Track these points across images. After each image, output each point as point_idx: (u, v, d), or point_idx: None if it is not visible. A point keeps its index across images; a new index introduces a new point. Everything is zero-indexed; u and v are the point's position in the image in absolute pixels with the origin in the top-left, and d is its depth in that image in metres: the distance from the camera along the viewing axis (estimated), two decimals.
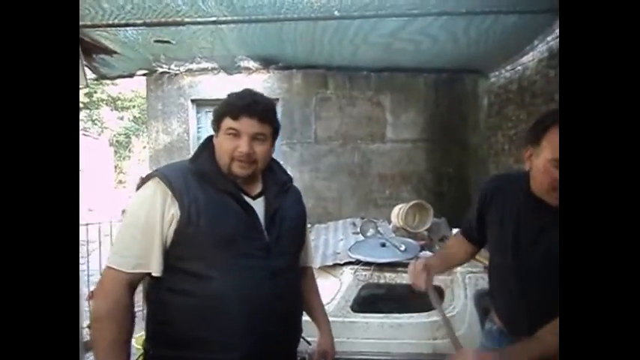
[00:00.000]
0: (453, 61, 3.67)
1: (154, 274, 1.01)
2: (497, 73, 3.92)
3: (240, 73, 4.11)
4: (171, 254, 1.02)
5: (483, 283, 2.07)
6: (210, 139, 1.14)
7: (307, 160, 4.31)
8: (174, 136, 4.46)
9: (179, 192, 1.00)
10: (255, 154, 1.05)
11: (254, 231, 1.06)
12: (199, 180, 1.04)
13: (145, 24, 2.40)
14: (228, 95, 1.09)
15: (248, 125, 1.04)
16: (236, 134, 1.04)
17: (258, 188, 1.13)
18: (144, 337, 1.07)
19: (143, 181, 1.06)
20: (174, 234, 1.00)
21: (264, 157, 1.09)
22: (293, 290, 1.14)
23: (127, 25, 2.45)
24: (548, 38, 2.88)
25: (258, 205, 1.10)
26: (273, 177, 1.17)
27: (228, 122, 1.04)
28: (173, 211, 1.00)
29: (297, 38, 2.94)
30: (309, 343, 1.32)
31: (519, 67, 3.41)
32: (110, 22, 2.41)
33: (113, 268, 1.00)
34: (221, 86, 4.29)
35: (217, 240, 1.01)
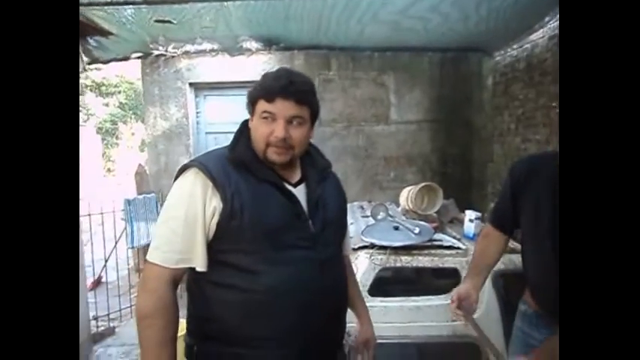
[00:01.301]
0: (461, 40, 3.59)
1: (198, 269, 0.97)
2: (502, 52, 3.85)
3: (241, 54, 3.99)
4: (213, 248, 0.97)
5: (499, 264, 2.07)
6: (246, 123, 1.07)
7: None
8: (173, 121, 4.35)
9: (220, 183, 0.95)
10: (291, 138, 0.99)
11: (298, 221, 1.01)
12: (239, 169, 0.99)
13: (146, 2, 2.28)
14: (263, 76, 1.02)
15: (284, 108, 0.97)
16: (272, 118, 0.98)
17: (297, 175, 1.08)
18: (184, 331, 1.03)
19: (180, 171, 1.01)
20: (216, 227, 0.95)
21: (302, 141, 1.02)
22: (340, 282, 1.10)
23: (126, 3, 2.33)
24: None
25: (300, 193, 1.05)
26: (312, 162, 1.12)
27: (262, 105, 0.98)
28: (215, 204, 0.95)
29: (304, 16, 2.83)
30: (349, 334, 1.30)
31: (528, 45, 3.35)
32: (109, 0, 2.30)
33: (156, 264, 0.95)
34: (220, 69, 4.18)
35: (262, 232, 0.96)
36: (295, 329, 0.97)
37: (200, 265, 0.96)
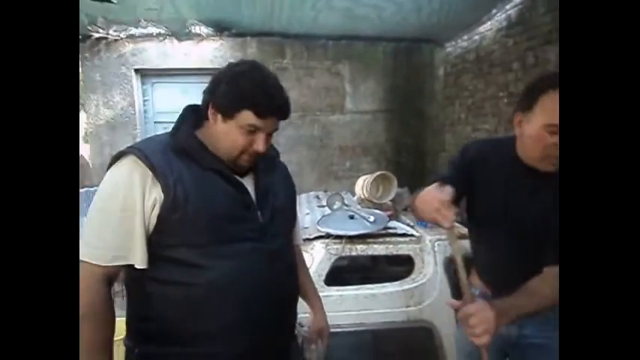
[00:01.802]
0: (414, 31, 3.64)
1: (137, 267, 0.89)
2: (453, 42, 3.95)
3: (190, 39, 3.80)
4: (155, 242, 0.89)
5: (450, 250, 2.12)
6: (189, 110, 1.00)
7: None
8: (118, 110, 4.09)
9: (161, 172, 0.87)
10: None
11: (247, 211, 0.96)
12: (181, 157, 0.91)
13: None
14: (243, 78, 0.91)
15: (271, 124, 0.93)
16: (254, 131, 0.92)
17: None
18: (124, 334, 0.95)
19: (115, 159, 0.91)
20: (157, 220, 0.87)
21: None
22: (289, 273, 1.06)
23: None
24: (507, 7, 2.91)
25: (248, 183, 1.00)
26: None
27: (249, 117, 0.90)
28: (155, 195, 0.87)
29: (256, 0, 2.73)
30: (301, 325, 1.26)
31: (477, 37, 3.45)
32: None
33: (86, 262, 0.86)
34: (168, 55, 3.97)
35: (207, 223, 0.89)
36: (243, 324, 0.93)
37: (139, 262, 0.88)
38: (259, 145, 0.93)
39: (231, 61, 1.00)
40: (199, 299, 0.89)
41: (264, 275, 0.95)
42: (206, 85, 0.97)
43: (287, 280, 1.03)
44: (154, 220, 0.87)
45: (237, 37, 3.96)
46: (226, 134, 0.93)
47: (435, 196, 0.96)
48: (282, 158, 1.18)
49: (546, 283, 0.99)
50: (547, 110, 0.98)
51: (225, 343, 0.91)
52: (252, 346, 0.94)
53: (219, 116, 0.93)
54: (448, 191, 0.96)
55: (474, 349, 0.96)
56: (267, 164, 1.05)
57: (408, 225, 2.34)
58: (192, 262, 0.89)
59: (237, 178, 0.97)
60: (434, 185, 1.00)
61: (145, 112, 4.25)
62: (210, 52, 3.94)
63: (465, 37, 3.67)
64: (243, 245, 0.93)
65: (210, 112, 0.94)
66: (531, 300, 0.98)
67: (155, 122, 4.28)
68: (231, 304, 0.91)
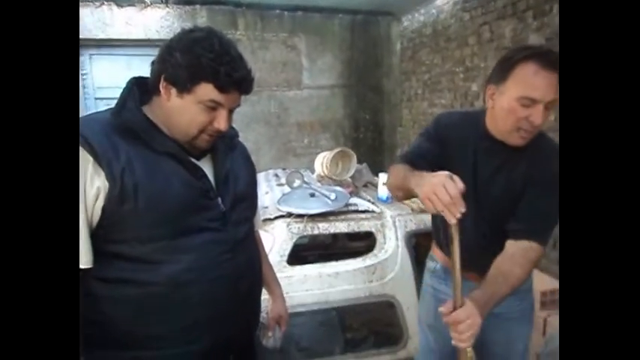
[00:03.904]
0: (369, 2, 3.55)
1: (80, 266, 0.78)
2: (410, 16, 3.92)
3: (132, 6, 3.48)
4: (100, 237, 0.79)
5: (411, 224, 2.15)
6: (135, 83, 0.87)
7: None
8: None
9: (105, 157, 0.76)
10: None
11: (206, 199, 0.87)
12: (128, 139, 0.80)
13: None
14: (195, 42, 0.80)
15: (234, 99, 0.84)
16: (215, 107, 0.82)
17: None
18: None
19: None
20: (102, 212, 0.78)
21: None
22: (254, 263, 0.99)
23: None
24: None
25: (206, 166, 0.91)
26: None
27: (210, 92, 0.80)
28: (98, 184, 0.76)
29: None
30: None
31: (434, 11, 3.43)
32: None
33: None
34: (107, 23, 3.63)
35: (163, 215, 0.80)
36: (205, 322, 0.86)
37: (83, 260, 0.79)
38: (221, 123, 0.84)
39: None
40: (156, 298, 0.81)
41: (226, 268, 0.88)
42: (154, 57, 0.85)
43: (251, 271, 0.97)
44: (98, 213, 0.78)
45: (186, 5, 3.69)
46: (182, 111, 0.83)
47: (449, 189, 0.84)
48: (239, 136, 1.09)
49: (515, 263, 1.00)
50: (521, 82, 0.97)
51: (186, 344, 0.85)
52: (215, 345, 0.88)
53: (173, 90, 0.82)
54: (460, 186, 0.86)
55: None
56: (226, 145, 0.96)
57: (369, 201, 2.34)
58: (145, 258, 0.80)
59: (194, 161, 0.88)
60: (443, 174, 0.88)
61: (84, 87, 3.90)
62: (156, 22, 3.64)
63: (422, 11, 3.65)
64: (202, 236, 0.85)
65: (162, 85, 0.83)
66: (507, 284, 0.97)
67: (96, 98, 3.95)
68: (192, 302, 0.84)
